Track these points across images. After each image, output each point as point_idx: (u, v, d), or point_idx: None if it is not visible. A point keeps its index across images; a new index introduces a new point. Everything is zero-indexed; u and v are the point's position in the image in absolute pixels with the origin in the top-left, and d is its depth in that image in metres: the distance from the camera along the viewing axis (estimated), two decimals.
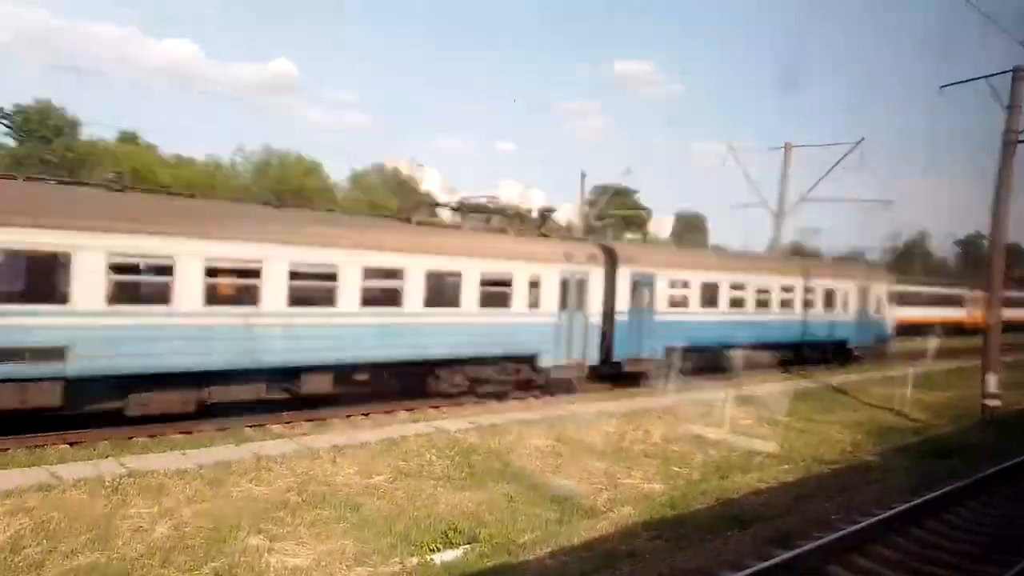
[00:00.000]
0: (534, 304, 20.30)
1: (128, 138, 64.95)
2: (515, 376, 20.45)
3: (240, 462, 12.56)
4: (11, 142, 52.83)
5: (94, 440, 13.65)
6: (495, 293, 19.37)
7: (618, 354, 22.97)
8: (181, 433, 14.54)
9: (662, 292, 24.40)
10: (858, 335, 33.85)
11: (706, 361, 25.78)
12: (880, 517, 11.47)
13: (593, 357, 21.98)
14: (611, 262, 22.88)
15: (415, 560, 9.49)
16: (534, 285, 20.29)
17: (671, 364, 24.29)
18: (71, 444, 13.44)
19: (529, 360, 20.46)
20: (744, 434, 18.03)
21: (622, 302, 23.08)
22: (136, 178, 51.00)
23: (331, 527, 10.45)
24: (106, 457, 12.69)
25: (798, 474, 14.77)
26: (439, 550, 9.88)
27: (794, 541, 10.41)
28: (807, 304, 30.70)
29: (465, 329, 18.66)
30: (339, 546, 9.91)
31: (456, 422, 16.77)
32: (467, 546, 10.00)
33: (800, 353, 30.89)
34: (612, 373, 23.31)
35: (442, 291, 18.27)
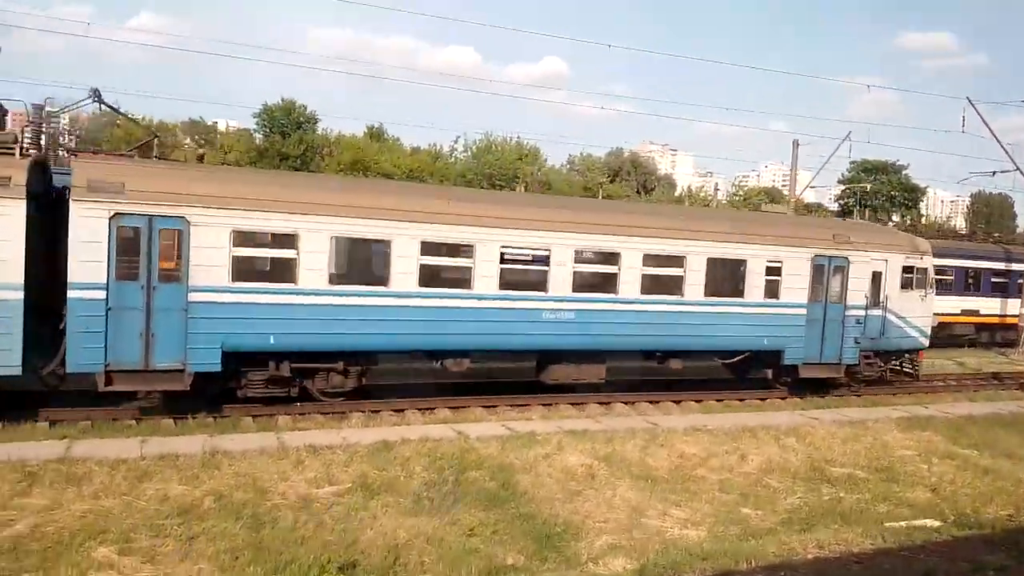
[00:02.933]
0: (772, 293, 17.94)
1: (375, 133, 68.93)
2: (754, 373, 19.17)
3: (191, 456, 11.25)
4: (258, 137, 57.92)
5: None
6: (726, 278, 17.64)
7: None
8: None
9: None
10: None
11: None
12: None
13: (852, 356, 19.10)
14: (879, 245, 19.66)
15: None
16: (773, 272, 17.91)
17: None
18: None
19: (774, 357, 18.50)
20: (886, 469, 13.62)
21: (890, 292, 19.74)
22: (354, 167, 53.73)
23: (212, 544, 8.71)
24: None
25: (931, 535, 10.46)
26: None
27: None
28: None
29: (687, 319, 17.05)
30: (194, 570, 8.15)
31: (526, 424, 14.32)
32: None
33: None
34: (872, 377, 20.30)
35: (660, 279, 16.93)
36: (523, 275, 15.72)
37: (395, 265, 14.37)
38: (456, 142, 63.27)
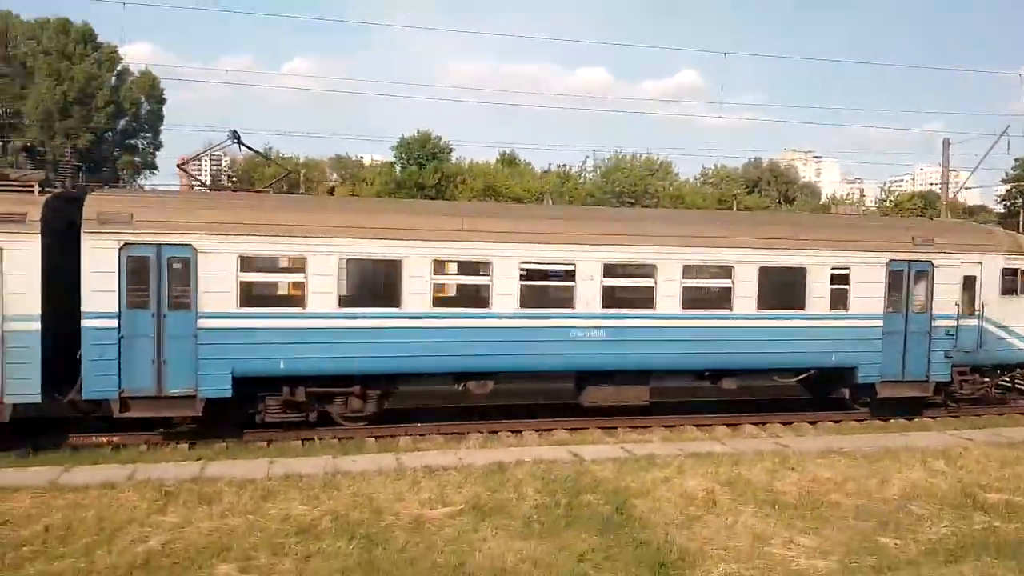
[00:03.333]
0: (840, 304, 16.36)
1: (507, 158, 70.21)
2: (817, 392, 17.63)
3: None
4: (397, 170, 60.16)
5: None
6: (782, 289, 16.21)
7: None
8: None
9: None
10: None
11: None
12: None
13: (942, 373, 17.09)
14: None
15: None
16: (840, 280, 16.34)
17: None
18: None
19: (846, 374, 16.76)
20: None
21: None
22: (486, 193, 54.86)
23: (326, 563, 8.95)
24: None
25: None
26: None
27: None
28: None
29: (736, 335, 15.78)
30: None
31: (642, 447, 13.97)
32: None
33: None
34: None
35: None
36: (547, 292, 15.16)
37: (407, 286, 14.18)
38: (584, 162, 63.30)
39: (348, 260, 14.07)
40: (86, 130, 54.86)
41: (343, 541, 9.58)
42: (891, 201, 71.86)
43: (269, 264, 14.34)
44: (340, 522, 10.18)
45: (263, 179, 52.81)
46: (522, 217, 16.22)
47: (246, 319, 13.55)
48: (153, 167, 62.31)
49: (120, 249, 12.97)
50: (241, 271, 13.55)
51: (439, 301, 14.48)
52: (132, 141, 60.57)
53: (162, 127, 60.89)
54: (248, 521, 10.15)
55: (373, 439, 14.34)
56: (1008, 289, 17.34)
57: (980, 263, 17.05)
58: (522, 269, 14.64)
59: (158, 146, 62.20)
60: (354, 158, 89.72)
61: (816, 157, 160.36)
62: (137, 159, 60.14)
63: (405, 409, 15.81)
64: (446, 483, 11.62)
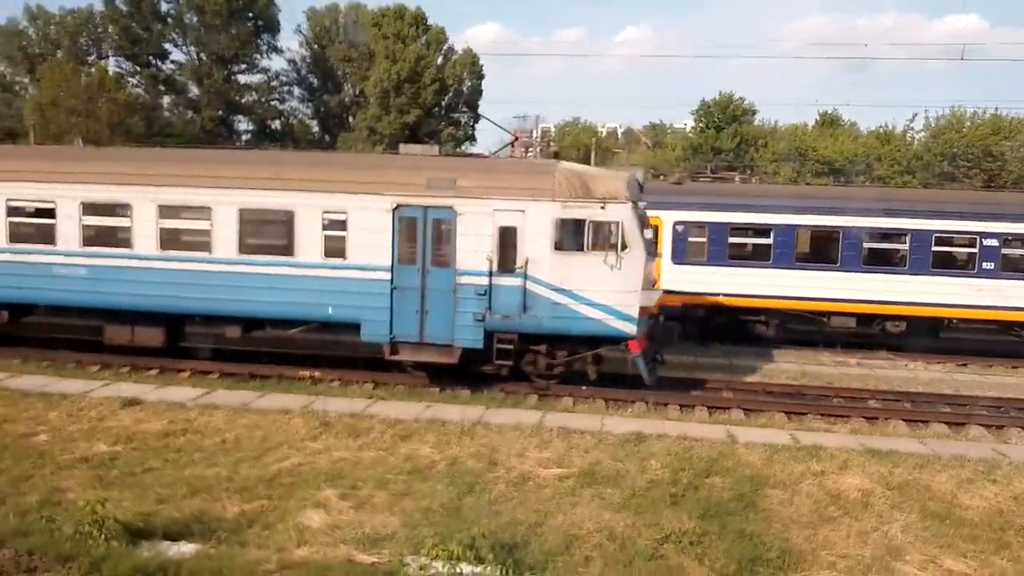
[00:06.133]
0: (337, 253, 14.62)
1: (828, 118, 65.14)
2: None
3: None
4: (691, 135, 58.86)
5: None
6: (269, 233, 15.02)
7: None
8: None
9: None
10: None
11: None
12: None
13: (470, 338, 14.30)
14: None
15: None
16: (336, 226, 14.60)
17: None
18: None
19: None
20: None
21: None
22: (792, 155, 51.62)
23: (415, 502, 9.51)
24: None
25: None
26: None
27: None
28: None
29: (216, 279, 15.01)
30: (384, 520, 9.02)
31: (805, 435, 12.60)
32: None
33: None
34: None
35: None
36: (31, 228, 15.63)
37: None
38: (912, 120, 56.09)
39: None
40: (415, 106, 61.24)
41: (443, 484, 10.05)
42: None
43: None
44: (454, 468, 10.66)
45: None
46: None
47: None
48: (472, 139, 67.79)
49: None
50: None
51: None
52: (455, 115, 66.37)
53: (480, 101, 65.94)
54: (378, 456, 11.06)
55: (536, 396, 14.54)
56: (567, 244, 13.86)
57: (523, 211, 13.86)
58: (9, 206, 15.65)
59: (477, 119, 67.48)
60: (670, 126, 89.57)
61: None
62: (459, 132, 65.79)
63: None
64: (574, 446, 11.53)
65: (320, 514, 9.12)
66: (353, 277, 14.45)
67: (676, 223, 19.29)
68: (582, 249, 13.82)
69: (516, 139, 21.25)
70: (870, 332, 19.34)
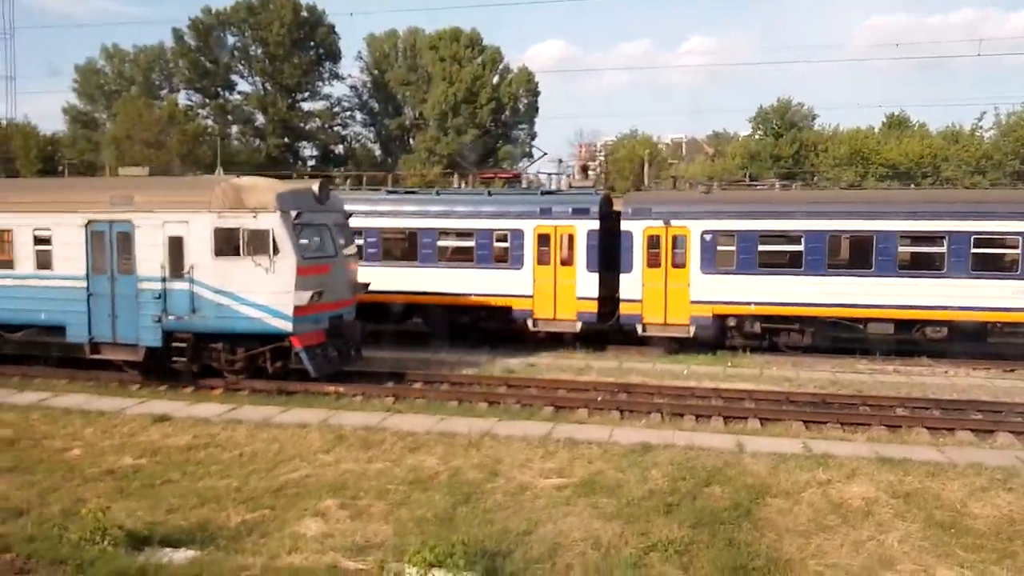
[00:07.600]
0: (46, 264, 16.77)
1: (895, 120, 63.28)
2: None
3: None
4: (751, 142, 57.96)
5: None
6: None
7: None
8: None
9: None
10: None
11: None
12: None
13: (151, 338, 16.01)
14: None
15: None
16: (44, 241, 16.78)
17: None
18: None
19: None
20: None
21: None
22: (851, 160, 50.40)
23: (410, 512, 9.77)
24: None
25: None
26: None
27: None
28: None
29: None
30: (378, 529, 9.31)
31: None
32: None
33: None
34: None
35: None
36: None
37: None
38: (981, 119, 53.83)
39: None
40: (472, 125, 62.16)
41: (441, 494, 10.28)
42: None
43: None
44: (455, 479, 10.87)
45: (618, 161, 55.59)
46: None
47: None
48: (529, 155, 68.31)
49: None
50: None
51: None
52: (512, 132, 67.05)
53: (536, 118, 66.52)
54: (384, 467, 11.37)
55: (552, 408, 14.66)
56: (225, 250, 15.41)
57: (187, 222, 15.56)
58: None
59: (533, 136, 68.01)
60: (734, 135, 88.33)
61: None
62: (515, 149, 66.40)
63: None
64: (579, 456, 11.59)
65: (317, 523, 9.45)
66: (58, 286, 16.52)
67: (704, 232, 19.15)
68: (239, 254, 15.26)
69: (544, 155, 22.86)
70: (910, 338, 18.74)
